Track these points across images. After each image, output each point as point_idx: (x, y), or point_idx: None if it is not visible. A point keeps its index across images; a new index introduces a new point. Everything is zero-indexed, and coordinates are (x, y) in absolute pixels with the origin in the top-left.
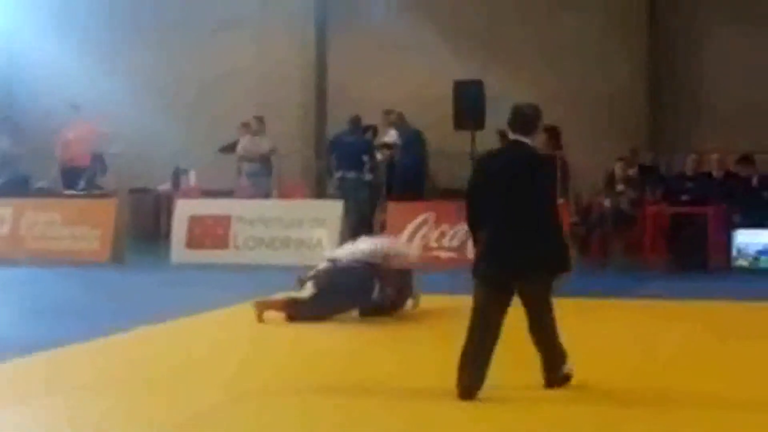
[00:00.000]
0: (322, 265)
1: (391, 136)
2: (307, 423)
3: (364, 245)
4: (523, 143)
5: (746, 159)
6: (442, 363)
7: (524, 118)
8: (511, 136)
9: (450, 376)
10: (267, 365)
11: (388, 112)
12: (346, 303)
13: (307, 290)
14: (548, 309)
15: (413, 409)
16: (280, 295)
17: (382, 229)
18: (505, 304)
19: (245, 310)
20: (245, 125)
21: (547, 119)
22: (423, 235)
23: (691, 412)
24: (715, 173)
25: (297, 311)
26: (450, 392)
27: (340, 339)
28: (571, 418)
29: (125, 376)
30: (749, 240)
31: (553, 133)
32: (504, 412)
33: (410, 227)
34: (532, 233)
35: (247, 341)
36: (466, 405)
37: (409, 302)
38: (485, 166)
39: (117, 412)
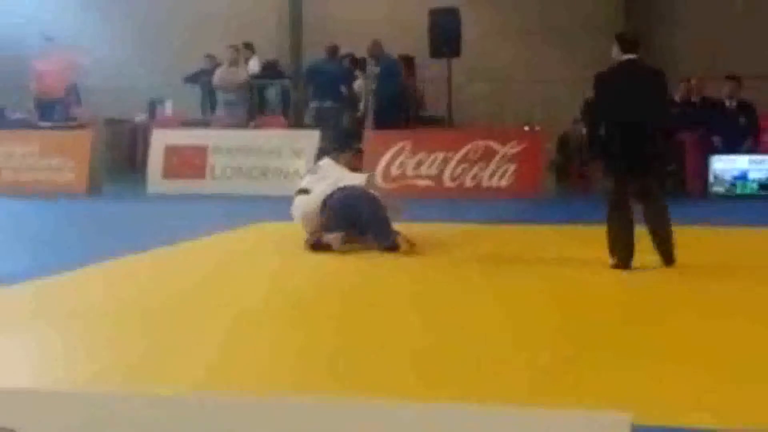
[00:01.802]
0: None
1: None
2: (308, 343)
3: (347, 178)
4: (636, 60)
5: (733, 78)
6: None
7: (634, 39)
8: (624, 56)
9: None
10: (253, 292)
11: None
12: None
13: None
14: (662, 198)
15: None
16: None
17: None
18: (630, 193)
19: (225, 239)
20: (210, 56)
21: (524, 48)
22: (400, 164)
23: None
24: (692, 98)
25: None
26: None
27: (327, 268)
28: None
29: (111, 304)
30: (726, 166)
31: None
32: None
33: (387, 156)
34: (650, 136)
35: (231, 270)
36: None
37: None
38: (613, 78)
39: (105, 339)
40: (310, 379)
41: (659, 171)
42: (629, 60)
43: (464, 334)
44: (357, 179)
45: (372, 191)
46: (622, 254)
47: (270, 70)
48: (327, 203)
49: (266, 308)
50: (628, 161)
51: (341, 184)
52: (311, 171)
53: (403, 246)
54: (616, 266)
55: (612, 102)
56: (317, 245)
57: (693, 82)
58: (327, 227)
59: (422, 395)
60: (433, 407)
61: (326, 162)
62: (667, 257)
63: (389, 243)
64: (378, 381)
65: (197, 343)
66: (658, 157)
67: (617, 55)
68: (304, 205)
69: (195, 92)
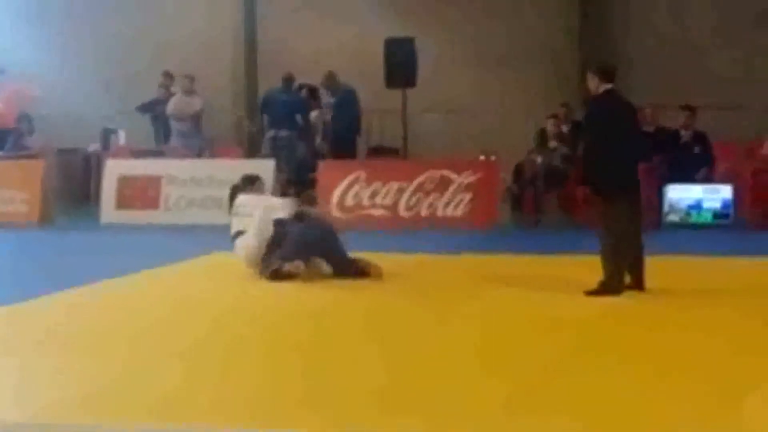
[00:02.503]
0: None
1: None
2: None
3: (274, 202)
4: (615, 90)
5: (690, 108)
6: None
7: (612, 70)
8: (605, 86)
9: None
10: (208, 322)
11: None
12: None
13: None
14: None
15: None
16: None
17: (313, 187)
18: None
19: (178, 269)
20: (163, 85)
21: (479, 78)
22: (355, 194)
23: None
24: (646, 128)
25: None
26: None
27: (287, 296)
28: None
29: (55, 337)
30: (680, 195)
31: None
32: None
33: (342, 186)
34: (636, 165)
35: (184, 300)
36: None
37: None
38: (611, 107)
39: (51, 371)
40: (272, 413)
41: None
42: (612, 90)
43: (430, 362)
44: (284, 203)
45: (319, 218)
46: (621, 280)
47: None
48: (287, 232)
49: (223, 338)
50: (627, 187)
51: (277, 214)
52: (235, 214)
53: (373, 271)
54: (611, 293)
55: (612, 132)
56: (278, 274)
57: (648, 111)
58: (285, 257)
59: (389, 426)
60: None
61: (243, 198)
62: (641, 282)
63: (356, 269)
64: (345, 412)
65: (149, 373)
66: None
67: (597, 85)
68: (245, 246)
69: (148, 122)
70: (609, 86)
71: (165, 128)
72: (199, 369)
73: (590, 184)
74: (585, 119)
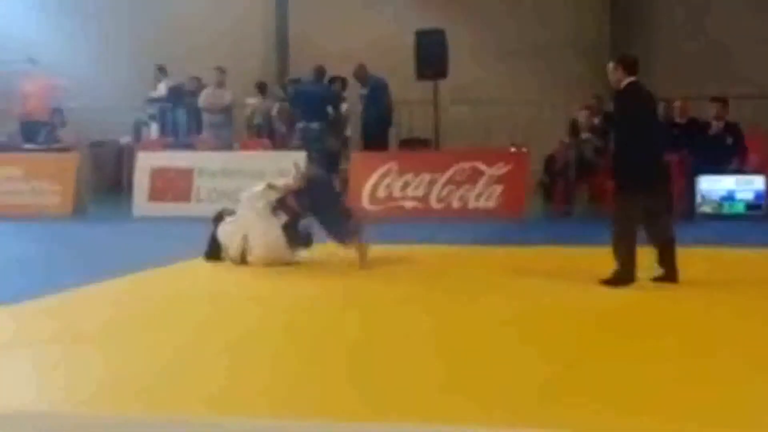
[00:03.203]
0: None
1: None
2: (277, 372)
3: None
4: (639, 82)
5: (720, 99)
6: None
7: (636, 61)
8: (629, 79)
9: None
10: (231, 316)
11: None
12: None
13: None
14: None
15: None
16: None
17: (345, 180)
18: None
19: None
20: (195, 78)
21: (510, 69)
22: (387, 185)
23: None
24: (677, 119)
25: None
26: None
27: (306, 288)
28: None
29: (92, 329)
30: (712, 186)
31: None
32: None
33: (374, 177)
34: (661, 155)
35: (212, 292)
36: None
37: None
38: (638, 99)
39: (85, 365)
40: (315, 404)
41: (667, 189)
42: (636, 82)
43: (455, 355)
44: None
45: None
46: (632, 269)
47: (176, 93)
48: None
49: (260, 330)
50: (650, 179)
51: (266, 197)
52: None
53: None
54: (624, 282)
55: (639, 125)
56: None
57: (677, 103)
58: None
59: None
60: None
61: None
62: (674, 273)
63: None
64: (367, 404)
65: (185, 367)
66: (668, 175)
67: (622, 76)
68: (263, 245)
69: (180, 112)
70: (633, 78)
71: (196, 120)
72: (238, 361)
73: (619, 177)
74: (615, 112)
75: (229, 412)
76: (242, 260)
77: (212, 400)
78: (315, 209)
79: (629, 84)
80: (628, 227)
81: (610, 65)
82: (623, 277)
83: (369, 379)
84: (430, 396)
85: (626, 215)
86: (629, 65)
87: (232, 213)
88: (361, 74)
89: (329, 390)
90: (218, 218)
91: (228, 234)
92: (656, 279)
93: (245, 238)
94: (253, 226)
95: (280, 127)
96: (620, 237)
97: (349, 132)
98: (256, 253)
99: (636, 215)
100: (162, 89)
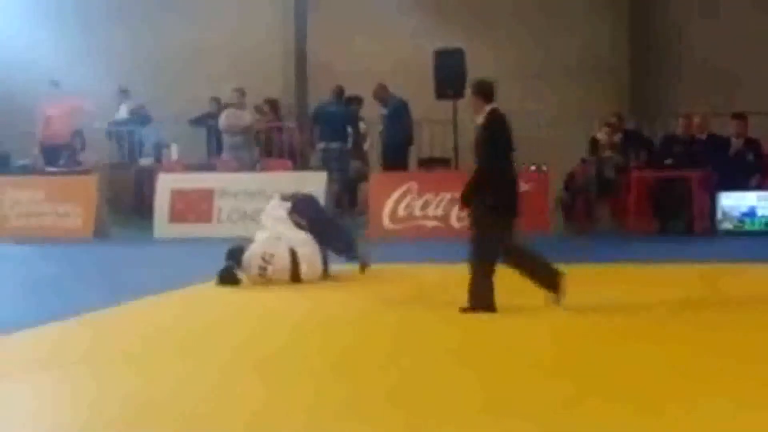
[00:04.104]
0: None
1: None
2: (316, 395)
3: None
4: (498, 109)
5: (740, 116)
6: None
7: (492, 90)
8: (489, 106)
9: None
10: (261, 336)
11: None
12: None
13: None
14: None
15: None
16: None
17: (366, 199)
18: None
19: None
20: (215, 99)
21: (529, 88)
22: (407, 205)
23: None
24: (697, 136)
25: None
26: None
27: (331, 306)
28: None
29: (114, 350)
30: (733, 203)
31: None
32: None
33: (394, 197)
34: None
35: (234, 311)
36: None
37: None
38: (504, 123)
39: (109, 387)
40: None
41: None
42: (496, 109)
43: (472, 375)
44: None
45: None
46: (492, 294)
47: (137, 114)
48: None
49: (292, 349)
50: (515, 203)
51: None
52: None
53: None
54: (483, 309)
55: (505, 148)
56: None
57: (697, 119)
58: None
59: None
60: None
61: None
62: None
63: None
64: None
65: (203, 389)
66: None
67: (480, 105)
68: (308, 262)
69: (200, 135)
70: (493, 105)
71: (217, 141)
72: (270, 386)
73: (478, 202)
74: (479, 140)
75: None
76: (293, 277)
77: (250, 422)
78: (314, 229)
79: (490, 112)
80: (491, 251)
81: (471, 96)
82: (481, 305)
83: (408, 397)
84: (473, 416)
85: (491, 239)
86: (486, 93)
87: (245, 246)
88: (382, 94)
89: (370, 410)
90: (232, 255)
91: (264, 249)
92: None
93: (293, 252)
94: (297, 240)
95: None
96: (481, 261)
97: (366, 147)
98: (311, 269)
99: (500, 238)
100: (123, 111)
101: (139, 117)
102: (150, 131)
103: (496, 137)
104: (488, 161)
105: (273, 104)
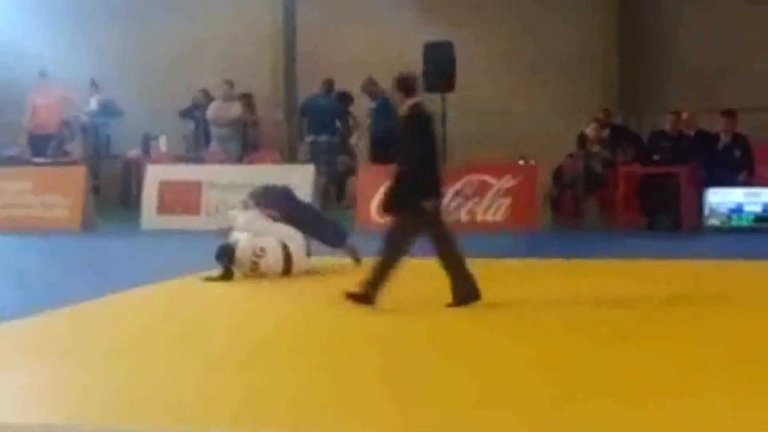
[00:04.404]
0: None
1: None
2: (301, 385)
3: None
4: (422, 103)
5: (730, 112)
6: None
7: (414, 84)
8: (412, 101)
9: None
10: (247, 330)
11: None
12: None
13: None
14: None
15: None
16: None
17: (354, 193)
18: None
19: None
20: (203, 91)
21: (518, 81)
22: None
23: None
24: (686, 132)
25: None
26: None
27: (310, 301)
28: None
29: (102, 342)
30: (721, 199)
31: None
32: None
33: (382, 190)
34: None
35: (222, 304)
36: None
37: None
38: (425, 117)
39: (96, 380)
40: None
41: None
42: (419, 103)
43: (464, 371)
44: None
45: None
46: (381, 288)
47: (109, 107)
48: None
49: (281, 344)
50: (438, 197)
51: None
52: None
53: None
54: (368, 301)
55: (430, 143)
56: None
57: (685, 116)
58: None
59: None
60: None
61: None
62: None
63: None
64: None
65: (192, 382)
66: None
67: (402, 99)
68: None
69: (188, 127)
70: (415, 99)
71: (206, 133)
72: (256, 376)
73: (397, 200)
74: (402, 135)
75: (253, 428)
76: (285, 270)
77: (237, 414)
78: (293, 221)
79: (413, 106)
80: (403, 248)
81: (394, 91)
82: (367, 298)
83: (400, 393)
84: (466, 411)
85: (407, 237)
86: (407, 88)
87: (234, 244)
88: (370, 88)
89: (360, 405)
90: (225, 254)
91: (254, 244)
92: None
93: (284, 246)
94: (284, 233)
95: None
96: (390, 254)
97: (353, 140)
98: (299, 262)
99: (416, 234)
100: (93, 104)
101: (109, 110)
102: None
103: (415, 133)
104: (408, 158)
105: (247, 99)
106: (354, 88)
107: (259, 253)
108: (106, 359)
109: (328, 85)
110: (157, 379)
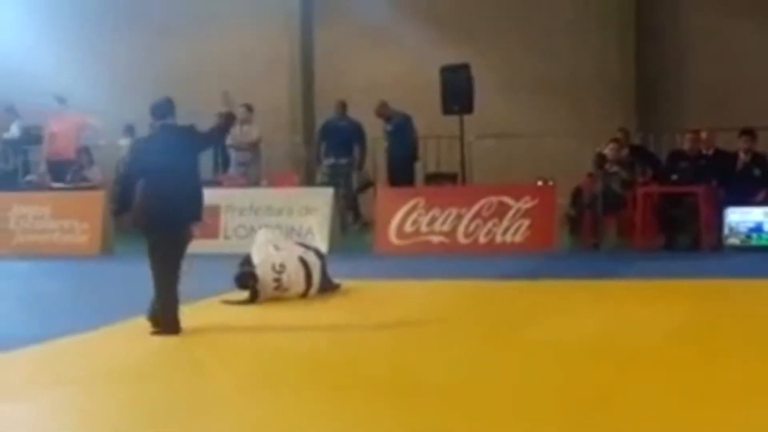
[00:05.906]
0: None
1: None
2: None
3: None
4: (169, 125)
5: (749, 132)
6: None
7: (162, 108)
8: (159, 123)
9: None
10: (254, 355)
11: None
12: None
13: None
14: None
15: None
16: None
17: (372, 215)
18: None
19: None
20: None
21: (535, 103)
22: (413, 221)
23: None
24: (704, 151)
25: None
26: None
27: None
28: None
29: (120, 367)
30: (740, 218)
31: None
32: None
33: (400, 212)
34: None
35: (239, 329)
36: None
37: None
38: (155, 142)
39: (114, 405)
40: None
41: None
42: (165, 125)
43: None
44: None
45: None
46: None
47: (29, 135)
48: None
49: (285, 373)
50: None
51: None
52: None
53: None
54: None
55: (160, 167)
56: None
57: (704, 135)
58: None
59: None
60: None
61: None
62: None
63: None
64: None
65: (211, 410)
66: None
67: (152, 120)
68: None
69: (207, 151)
70: (162, 122)
71: (224, 157)
72: (268, 405)
73: (144, 220)
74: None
75: None
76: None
77: None
78: None
79: (159, 128)
80: (172, 267)
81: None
82: (168, 328)
83: (411, 411)
84: None
85: (167, 259)
86: (153, 113)
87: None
88: (383, 111)
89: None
90: (248, 278)
91: (272, 261)
92: None
93: (303, 260)
94: (300, 250)
95: None
96: (167, 284)
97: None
98: (318, 278)
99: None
100: (14, 131)
101: (31, 137)
102: None
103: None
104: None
105: (249, 109)
106: (371, 110)
107: (279, 269)
108: (122, 385)
109: (342, 106)
110: (173, 404)
